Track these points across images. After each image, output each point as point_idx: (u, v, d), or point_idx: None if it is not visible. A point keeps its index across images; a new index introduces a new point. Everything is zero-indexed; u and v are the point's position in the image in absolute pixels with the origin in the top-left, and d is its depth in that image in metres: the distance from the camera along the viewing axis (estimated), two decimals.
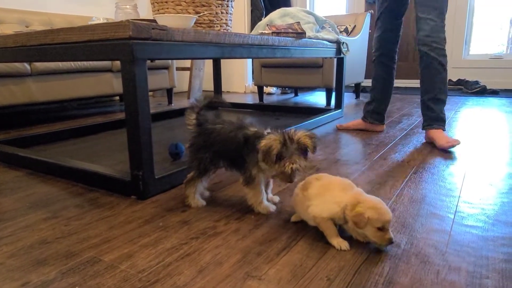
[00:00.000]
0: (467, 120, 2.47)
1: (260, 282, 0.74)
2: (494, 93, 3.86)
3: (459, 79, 4.31)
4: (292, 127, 0.98)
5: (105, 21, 1.55)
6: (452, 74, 4.57)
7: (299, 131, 0.97)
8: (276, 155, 0.93)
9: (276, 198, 1.15)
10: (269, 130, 1.02)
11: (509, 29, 4.40)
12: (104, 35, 1.12)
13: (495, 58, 4.38)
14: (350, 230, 0.89)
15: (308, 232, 0.95)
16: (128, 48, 1.08)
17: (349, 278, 0.75)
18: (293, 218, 1.02)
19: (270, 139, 0.94)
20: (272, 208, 1.08)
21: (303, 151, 0.96)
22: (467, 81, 4.15)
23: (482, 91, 3.91)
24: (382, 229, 0.82)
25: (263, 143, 0.94)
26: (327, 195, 0.90)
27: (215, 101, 1.13)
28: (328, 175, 0.98)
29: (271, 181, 1.12)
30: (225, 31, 1.66)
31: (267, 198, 1.12)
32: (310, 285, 0.73)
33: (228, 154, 1.06)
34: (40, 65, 2.51)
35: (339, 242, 0.87)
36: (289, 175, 0.95)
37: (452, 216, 1.03)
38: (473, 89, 3.97)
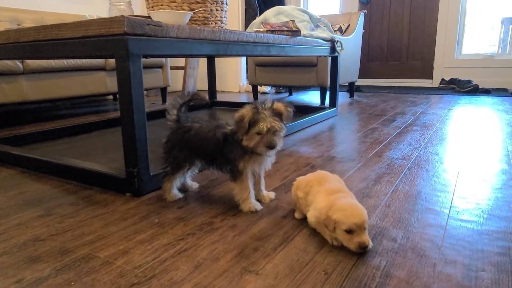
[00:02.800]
0: (460, 119, 2.49)
1: (257, 276, 0.74)
2: (486, 92, 3.90)
3: (451, 79, 4.35)
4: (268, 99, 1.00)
5: None
6: (445, 74, 4.61)
7: (276, 102, 0.99)
8: (248, 122, 0.95)
9: (272, 194, 1.15)
10: None
11: (501, 29, 4.45)
12: (99, 31, 1.11)
13: (487, 58, 4.43)
14: (326, 235, 0.89)
15: (305, 228, 0.95)
16: (123, 44, 1.07)
17: (346, 272, 0.75)
18: (297, 216, 1.01)
19: (243, 109, 0.97)
20: (258, 207, 1.06)
21: (278, 117, 0.98)
22: (460, 80, 4.19)
23: (475, 90, 3.95)
24: (350, 231, 0.80)
25: (236, 114, 0.97)
26: (315, 201, 0.91)
27: (196, 99, 1.15)
28: (329, 178, 0.98)
29: (263, 177, 1.12)
30: (220, 28, 1.65)
31: (261, 195, 1.12)
32: (307, 279, 0.73)
33: (207, 152, 1.07)
34: (32, 63, 2.48)
35: (332, 238, 0.87)
36: (268, 138, 0.96)
37: (447, 211, 1.04)
38: (466, 88, 4.01)
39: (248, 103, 1.01)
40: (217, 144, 1.04)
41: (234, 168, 1.03)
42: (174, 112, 1.12)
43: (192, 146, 1.08)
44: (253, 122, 0.96)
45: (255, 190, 1.10)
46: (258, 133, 0.96)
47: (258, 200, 1.11)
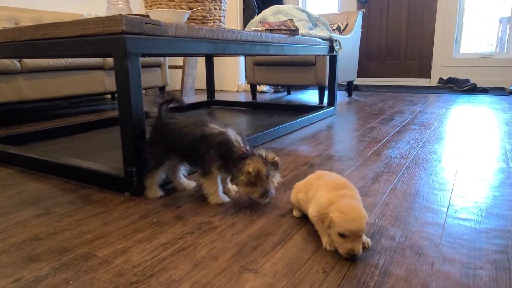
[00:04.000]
0: (458, 117, 2.50)
1: (256, 275, 0.74)
2: (484, 91, 3.91)
3: (449, 77, 4.36)
4: (260, 148, 1.08)
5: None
6: (443, 73, 4.62)
7: (266, 152, 1.05)
8: (265, 175, 1.01)
9: (235, 187, 1.18)
10: (230, 129, 1.08)
11: (499, 28, 4.46)
12: (97, 29, 1.10)
13: (485, 57, 4.44)
14: (323, 237, 0.87)
15: (303, 226, 0.95)
16: (121, 43, 1.07)
17: (345, 270, 0.76)
18: (295, 214, 1.01)
19: (254, 163, 1.01)
20: (225, 199, 1.11)
21: (275, 167, 1.05)
22: (458, 79, 4.20)
23: (472, 89, 3.96)
24: (343, 236, 0.78)
25: (250, 168, 1.00)
26: (316, 195, 0.90)
27: (175, 100, 1.19)
28: (328, 174, 0.97)
29: None
30: (218, 27, 1.65)
31: (226, 189, 1.16)
32: (306, 277, 0.73)
33: (181, 148, 1.10)
34: (30, 63, 2.47)
35: (327, 242, 0.85)
36: (271, 190, 1.04)
37: (445, 210, 1.04)
38: (464, 87, 4.02)
39: (249, 153, 1.04)
40: (192, 141, 1.07)
41: (206, 168, 1.07)
42: (155, 110, 1.15)
43: (168, 141, 1.11)
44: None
45: (222, 184, 1.15)
46: (264, 187, 1.02)
47: (225, 193, 1.15)
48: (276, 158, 1.05)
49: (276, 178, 1.04)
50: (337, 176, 0.96)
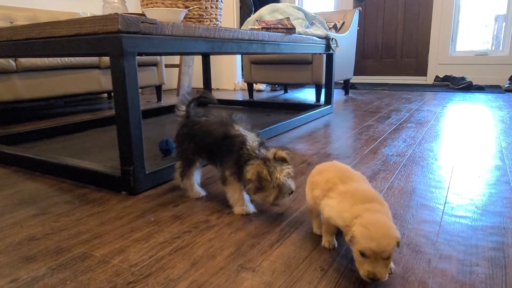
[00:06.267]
0: (455, 115, 2.51)
1: (254, 273, 0.74)
2: (480, 88, 3.93)
3: (446, 75, 4.38)
4: (265, 149, 0.99)
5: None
6: (439, 71, 4.63)
7: (267, 150, 0.98)
8: (268, 174, 0.93)
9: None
10: (251, 133, 1.02)
11: (494, 26, 4.48)
12: (93, 28, 1.10)
13: (480, 55, 4.46)
14: (324, 236, 0.84)
15: (301, 225, 0.95)
16: (117, 42, 1.06)
17: (343, 268, 0.76)
18: (316, 230, 0.93)
19: (253, 167, 0.94)
20: (251, 210, 1.02)
21: (282, 162, 0.96)
22: (454, 77, 4.22)
23: (468, 87, 3.97)
24: (364, 255, 0.67)
25: (249, 174, 0.93)
26: (340, 207, 0.76)
27: (205, 97, 1.17)
28: (352, 176, 0.83)
29: None
30: (214, 25, 1.65)
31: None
32: (303, 275, 0.73)
33: (207, 146, 1.08)
34: (25, 62, 2.46)
35: (326, 241, 0.84)
36: (287, 186, 0.94)
37: (442, 207, 1.04)
38: (460, 85, 4.03)
39: (251, 157, 0.96)
40: (215, 139, 1.04)
41: (222, 174, 1.03)
42: (183, 108, 1.14)
43: (197, 139, 1.09)
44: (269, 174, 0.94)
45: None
46: (275, 186, 0.94)
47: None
48: (279, 153, 0.96)
49: (284, 172, 0.94)
50: (363, 186, 0.80)
